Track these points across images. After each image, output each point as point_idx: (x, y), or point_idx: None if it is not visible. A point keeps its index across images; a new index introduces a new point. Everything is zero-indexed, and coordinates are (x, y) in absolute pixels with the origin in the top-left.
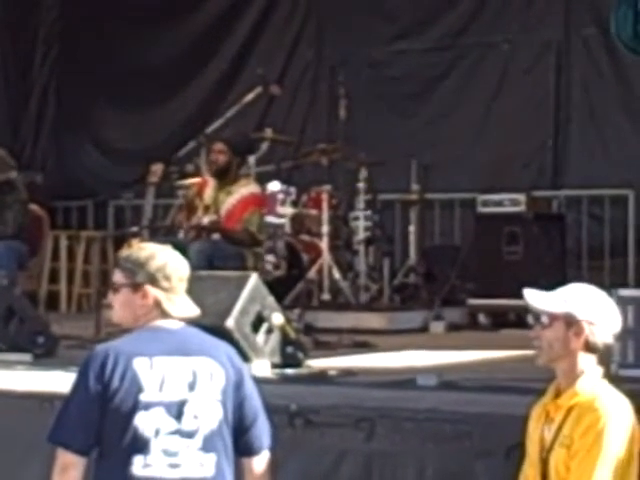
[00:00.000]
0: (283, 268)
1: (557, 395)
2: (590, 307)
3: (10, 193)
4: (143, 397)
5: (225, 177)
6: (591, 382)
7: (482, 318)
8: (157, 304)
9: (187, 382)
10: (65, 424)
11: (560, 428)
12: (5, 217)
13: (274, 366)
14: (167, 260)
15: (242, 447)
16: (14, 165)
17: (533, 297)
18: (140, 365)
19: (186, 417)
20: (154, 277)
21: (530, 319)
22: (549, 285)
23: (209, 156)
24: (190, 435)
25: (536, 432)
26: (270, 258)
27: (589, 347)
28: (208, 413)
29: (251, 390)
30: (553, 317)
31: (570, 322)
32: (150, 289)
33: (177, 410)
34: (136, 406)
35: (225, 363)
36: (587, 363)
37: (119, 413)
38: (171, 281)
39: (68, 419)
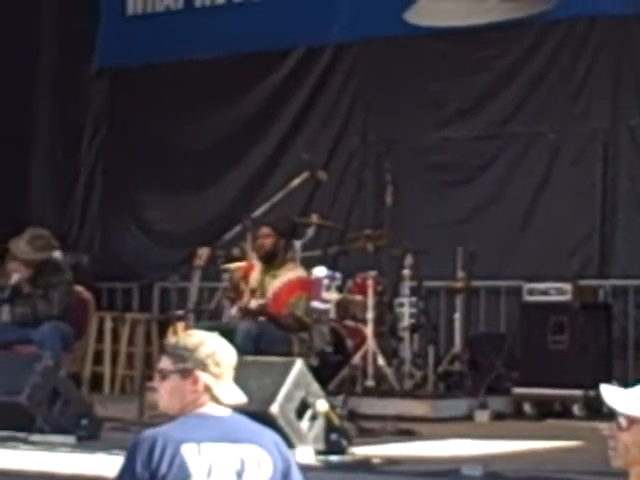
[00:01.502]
0: (327, 354)
1: None
2: None
3: (55, 274)
4: None
5: (272, 261)
6: None
7: (527, 407)
8: (207, 390)
9: (235, 470)
10: None
11: None
12: (51, 297)
13: (318, 453)
14: (217, 346)
15: None
16: (57, 245)
17: (611, 395)
18: (188, 451)
19: None
20: (204, 363)
21: (576, 410)
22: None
23: (256, 241)
24: None
25: None
26: (315, 343)
27: None
28: None
29: (298, 479)
30: (632, 420)
31: None
32: (201, 375)
33: None
34: None
35: (273, 451)
36: None
37: None
38: (221, 367)
39: None
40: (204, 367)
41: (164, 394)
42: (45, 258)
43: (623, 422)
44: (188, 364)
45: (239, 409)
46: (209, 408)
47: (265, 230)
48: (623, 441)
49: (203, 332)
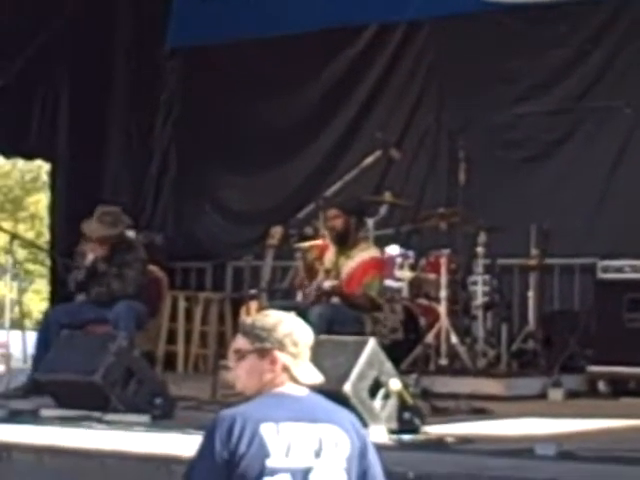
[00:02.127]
0: (400, 332)
1: None
2: None
3: (129, 252)
4: (270, 463)
5: (345, 241)
6: None
7: (602, 386)
8: (285, 370)
9: (313, 449)
10: None
11: None
12: (125, 276)
13: (391, 432)
14: (294, 326)
15: None
16: (129, 223)
17: None
18: (267, 430)
19: None
20: (282, 343)
21: None
22: None
23: (326, 223)
24: None
25: None
26: (388, 322)
27: None
28: None
29: (374, 458)
30: None
31: None
32: (279, 354)
33: (302, 477)
34: (262, 472)
35: (350, 431)
36: None
37: (246, 479)
38: (298, 347)
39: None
40: (282, 347)
41: (242, 374)
42: (117, 234)
43: None
44: (266, 344)
45: (312, 387)
46: (287, 388)
47: (333, 212)
48: None
49: (279, 312)
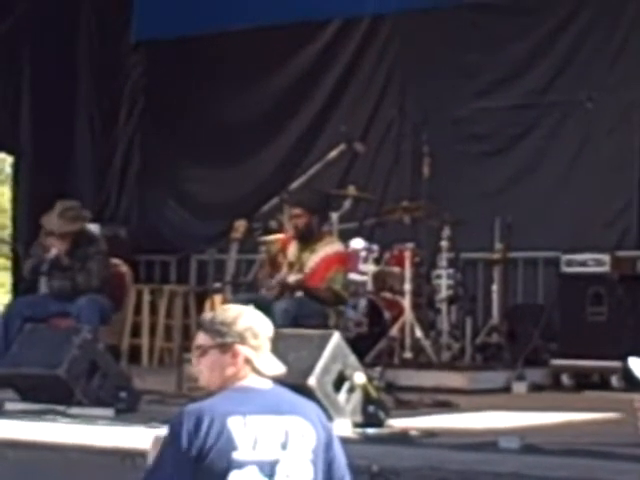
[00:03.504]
0: (364, 326)
1: None
2: None
3: (90, 245)
4: (237, 456)
5: (308, 239)
6: None
7: (565, 379)
8: (247, 362)
9: (279, 441)
10: None
11: None
12: (89, 269)
13: (355, 425)
14: (254, 319)
15: None
16: (89, 216)
17: (639, 367)
18: (235, 424)
19: (278, 476)
20: (243, 336)
21: (614, 381)
22: (633, 347)
23: (289, 221)
24: None
25: None
26: (352, 316)
27: None
28: (300, 473)
29: (339, 450)
30: None
31: None
32: (240, 348)
33: (270, 469)
34: (230, 465)
35: (315, 422)
36: None
37: (212, 472)
38: (259, 339)
39: (165, 475)
40: (243, 340)
41: (204, 369)
42: (78, 229)
43: None
44: (227, 338)
45: (277, 381)
46: (251, 381)
47: (295, 210)
48: None
49: (238, 306)
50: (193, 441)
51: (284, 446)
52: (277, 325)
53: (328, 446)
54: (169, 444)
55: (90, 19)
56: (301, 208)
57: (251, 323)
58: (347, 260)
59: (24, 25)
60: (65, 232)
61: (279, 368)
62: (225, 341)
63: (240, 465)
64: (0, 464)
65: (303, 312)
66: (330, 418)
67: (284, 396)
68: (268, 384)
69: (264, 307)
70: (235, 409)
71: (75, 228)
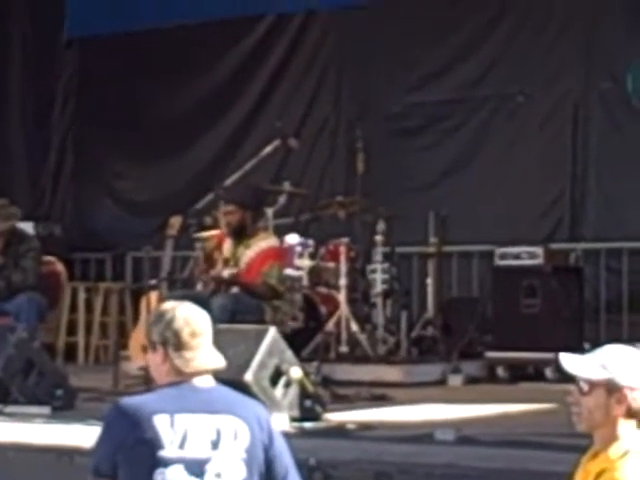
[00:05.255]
0: (300, 320)
1: (594, 457)
2: (631, 372)
3: (22, 243)
4: (163, 454)
5: (241, 235)
6: (623, 448)
7: (500, 371)
8: (169, 361)
9: (210, 440)
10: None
11: None
12: (24, 266)
13: (292, 420)
14: (176, 316)
15: None
16: (18, 213)
17: (569, 362)
18: (160, 422)
19: (208, 475)
20: (164, 335)
21: (548, 373)
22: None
23: (223, 218)
24: None
25: None
26: (287, 310)
27: (631, 413)
28: (231, 472)
29: (281, 449)
30: (593, 384)
31: (611, 389)
32: (162, 347)
33: (198, 468)
34: (156, 463)
35: (251, 422)
36: (626, 429)
37: (139, 469)
38: (180, 337)
39: (96, 468)
40: (164, 339)
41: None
42: (9, 227)
43: (584, 387)
44: (153, 337)
45: (213, 377)
46: (188, 379)
47: (228, 208)
48: (586, 406)
49: (171, 302)
50: (123, 437)
51: (215, 445)
52: (214, 321)
53: (267, 446)
54: (102, 440)
55: (23, 15)
56: (233, 205)
57: (171, 321)
58: (282, 254)
59: None
60: None
61: (204, 364)
62: (152, 340)
63: (166, 463)
64: None
65: (240, 308)
66: None
67: (221, 395)
68: (208, 383)
69: (201, 303)
70: (163, 407)
71: (6, 227)
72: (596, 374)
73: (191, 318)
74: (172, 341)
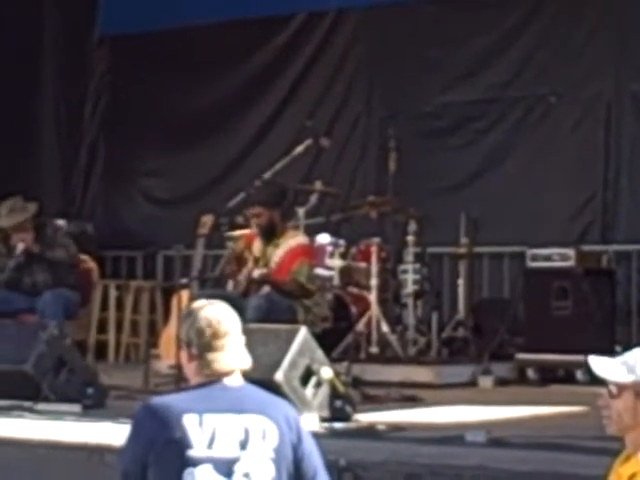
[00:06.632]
0: (331, 320)
1: (626, 461)
2: None
3: (48, 228)
4: (191, 453)
5: (271, 235)
6: None
7: (531, 373)
8: (195, 362)
9: (239, 440)
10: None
11: None
12: (61, 243)
13: (323, 420)
14: (199, 317)
15: None
16: (30, 208)
17: (599, 365)
18: (189, 422)
19: (236, 475)
20: (189, 336)
21: (579, 375)
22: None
23: (251, 219)
24: None
25: None
26: (319, 311)
27: None
28: (260, 472)
29: (310, 449)
30: (621, 387)
31: (639, 392)
32: (188, 348)
33: (227, 468)
34: (185, 462)
35: (280, 422)
36: None
37: (169, 468)
38: (202, 338)
39: (125, 467)
40: (189, 340)
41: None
42: (31, 215)
43: (613, 390)
44: (182, 336)
45: (244, 376)
46: (218, 379)
47: (256, 209)
48: (615, 408)
49: (199, 302)
50: (151, 436)
51: (244, 445)
52: (248, 321)
53: (295, 446)
54: (131, 438)
55: (56, 15)
56: (260, 206)
57: (195, 322)
58: (311, 252)
59: None
60: (22, 222)
61: (229, 365)
62: (182, 340)
63: (195, 463)
64: None
65: (274, 308)
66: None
67: (250, 395)
68: (238, 382)
69: (231, 302)
70: (192, 407)
71: (29, 214)
72: (624, 377)
73: (215, 319)
74: (195, 342)
